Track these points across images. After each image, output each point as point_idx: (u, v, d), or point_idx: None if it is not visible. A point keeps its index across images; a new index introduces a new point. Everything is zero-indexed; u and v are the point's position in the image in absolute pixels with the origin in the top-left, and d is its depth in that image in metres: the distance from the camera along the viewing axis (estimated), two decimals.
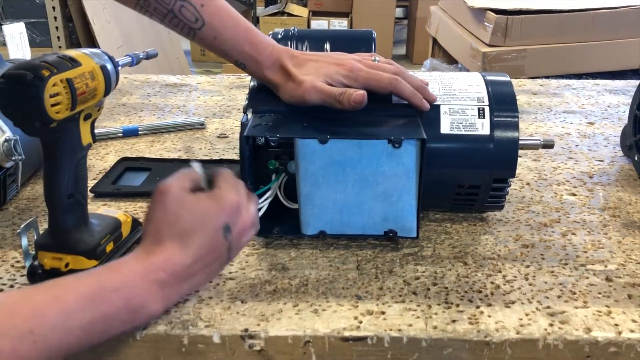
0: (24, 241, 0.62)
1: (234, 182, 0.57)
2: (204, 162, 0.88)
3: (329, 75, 0.66)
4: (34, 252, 0.62)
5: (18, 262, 0.65)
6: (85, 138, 0.60)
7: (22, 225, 0.61)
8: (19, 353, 0.43)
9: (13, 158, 0.68)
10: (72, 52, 0.57)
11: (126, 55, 0.70)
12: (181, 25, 0.68)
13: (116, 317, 0.48)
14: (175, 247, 0.52)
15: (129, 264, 0.51)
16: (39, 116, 0.53)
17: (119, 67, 0.62)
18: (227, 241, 0.55)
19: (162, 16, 0.67)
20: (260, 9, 4.77)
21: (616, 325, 0.56)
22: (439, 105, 0.68)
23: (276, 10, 4.55)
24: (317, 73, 0.67)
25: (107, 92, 0.60)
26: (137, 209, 0.76)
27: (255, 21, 4.53)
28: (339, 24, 4.29)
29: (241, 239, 0.57)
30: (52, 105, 0.53)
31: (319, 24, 4.31)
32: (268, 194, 0.66)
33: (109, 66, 0.60)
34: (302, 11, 4.49)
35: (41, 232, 0.65)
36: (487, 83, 0.70)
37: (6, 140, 0.68)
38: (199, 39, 0.69)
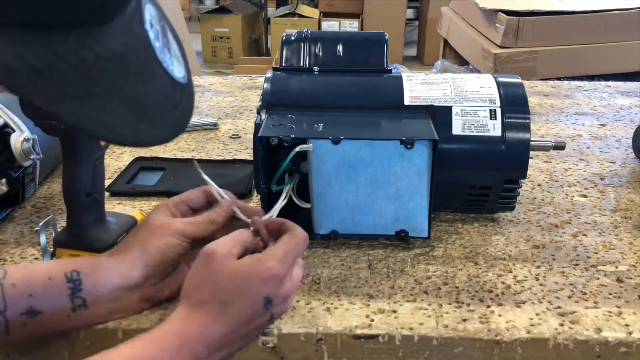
0: (43, 238, 0.63)
1: (283, 248, 0.53)
2: (216, 163, 0.90)
3: None
4: (52, 249, 0.63)
5: (36, 258, 0.66)
6: None
7: (41, 223, 0.62)
8: None
9: (31, 157, 0.70)
10: None
11: None
12: None
13: None
14: (213, 315, 0.50)
15: (167, 336, 0.49)
16: None
17: None
18: (269, 312, 0.52)
19: None
20: (271, 10, 4.79)
21: (627, 325, 0.56)
22: (450, 107, 0.69)
23: (287, 12, 4.57)
24: None
25: None
26: (152, 207, 0.77)
27: (267, 22, 4.55)
28: (350, 25, 4.29)
29: (284, 305, 0.54)
30: None
31: (330, 25, 4.32)
32: (282, 196, 0.67)
33: None
34: (313, 12, 4.50)
35: (59, 229, 0.66)
36: (499, 85, 0.71)
37: (25, 140, 0.69)
38: None
